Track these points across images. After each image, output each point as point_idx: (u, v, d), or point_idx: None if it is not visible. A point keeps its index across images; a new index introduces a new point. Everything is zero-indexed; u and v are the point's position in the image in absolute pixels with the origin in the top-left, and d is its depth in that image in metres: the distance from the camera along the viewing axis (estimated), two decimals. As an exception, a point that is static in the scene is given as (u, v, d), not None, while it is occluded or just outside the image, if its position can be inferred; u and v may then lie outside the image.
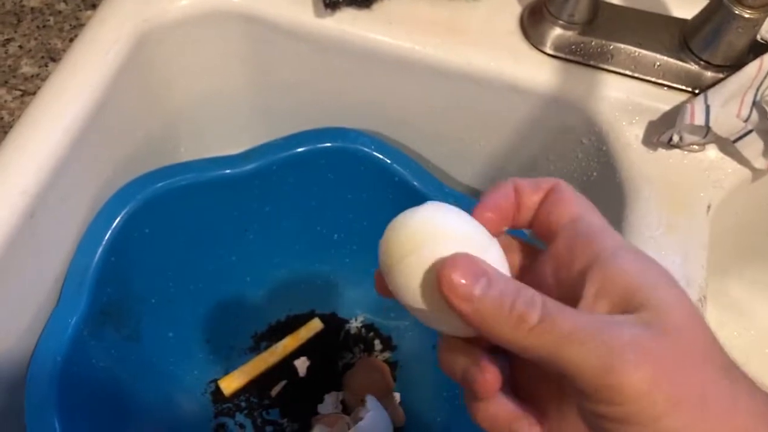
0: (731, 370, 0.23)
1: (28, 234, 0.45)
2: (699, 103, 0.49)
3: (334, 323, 0.65)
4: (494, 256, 0.26)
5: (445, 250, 0.25)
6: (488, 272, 0.24)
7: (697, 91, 0.52)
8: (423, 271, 0.25)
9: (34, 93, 0.50)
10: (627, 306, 0.23)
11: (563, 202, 0.27)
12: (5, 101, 0.50)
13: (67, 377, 0.45)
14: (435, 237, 0.25)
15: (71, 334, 0.47)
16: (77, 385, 0.47)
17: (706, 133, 0.49)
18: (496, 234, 0.28)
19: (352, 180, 0.59)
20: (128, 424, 0.53)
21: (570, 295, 0.25)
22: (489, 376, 0.25)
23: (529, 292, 0.23)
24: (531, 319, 0.22)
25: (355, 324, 0.65)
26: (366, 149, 0.57)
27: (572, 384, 0.22)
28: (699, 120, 0.49)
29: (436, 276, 0.24)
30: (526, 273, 0.29)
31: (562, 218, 0.27)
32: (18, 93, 0.50)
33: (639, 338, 0.22)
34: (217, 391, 0.61)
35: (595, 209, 0.27)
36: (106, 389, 0.51)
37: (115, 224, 0.50)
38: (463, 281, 0.23)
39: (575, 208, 0.27)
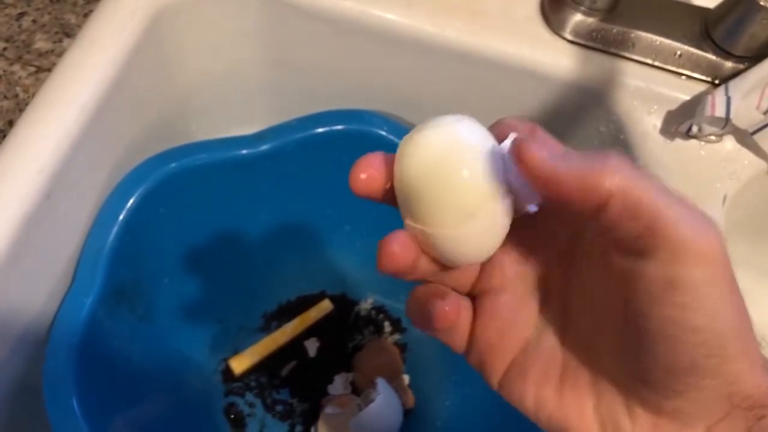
0: None
1: (44, 213, 0.44)
2: (720, 95, 0.49)
3: (343, 304, 0.65)
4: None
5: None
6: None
7: (717, 82, 0.52)
8: (456, 190, 0.24)
9: (48, 69, 0.50)
10: None
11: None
12: (20, 77, 0.49)
13: (83, 358, 0.45)
14: (462, 154, 0.25)
15: (87, 315, 0.47)
16: (93, 365, 0.47)
17: (725, 124, 0.49)
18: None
19: (367, 163, 0.58)
20: (141, 402, 0.54)
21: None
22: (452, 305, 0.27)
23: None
24: (627, 163, 0.22)
25: (364, 305, 0.66)
26: (381, 131, 0.57)
27: (662, 232, 0.22)
28: (720, 112, 0.49)
29: (516, 155, 0.23)
30: None
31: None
32: (32, 69, 0.49)
33: (716, 227, 0.22)
34: (228, 370, 0.61)
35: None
36: (119, 369, 0.51)
37: (129, 204, 0.50)
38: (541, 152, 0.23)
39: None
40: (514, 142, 0.24)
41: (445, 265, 0.27)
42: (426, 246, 0.26)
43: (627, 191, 0.22)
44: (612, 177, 0.22)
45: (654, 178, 0.23)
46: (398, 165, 0.26)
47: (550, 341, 0.27)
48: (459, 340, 0.28)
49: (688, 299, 0.22)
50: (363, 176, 0.27)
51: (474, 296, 0.29)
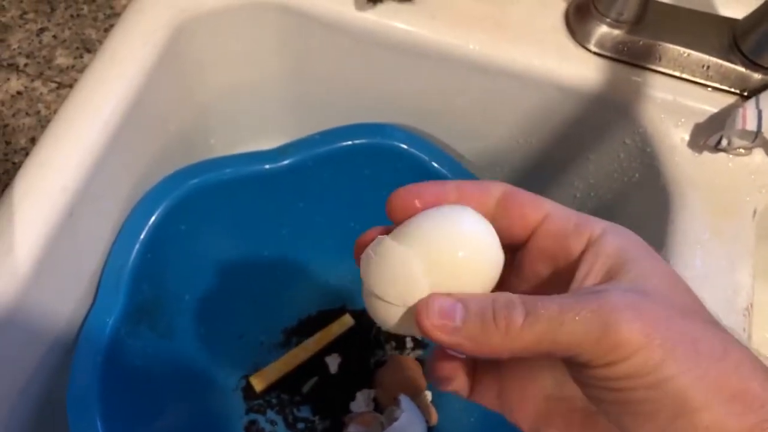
0: (717, 324, 0.24)
1: (67, 231, 0.44)
2: (751, 108, 0.48)
3: (365, 320, 0.65)
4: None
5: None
6: (460, 299, 0.24)
7: (746, 94, 0.52)
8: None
9: (69, 85, 0.49)
10: (610, 279, 0.24)
11: (525, 205, 0.27)
12: (41, 94, 0.49)
13: (106, 377, 0.45)
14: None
15: (110, 333, 0.46)
16: (116, 384, 0.46)
17: (755, 137, 0.49)
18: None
19: (388, 176, 0.58)
20: (163, 421, 0.53)
21: (565, 281, 0.25)
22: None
23: (503, 297, 0.24)
24: (517, 319, 0.23)
25: (385, 321, 0.65)
26: (403, 145, 0.56)
27: (576, 361, 0.23)
28: (751, 125, 0.48)
29: (416, 324, 0.24)
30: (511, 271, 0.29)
31: (533, 217, 0.26)
32: (54, 85, 0.49)
33: (626, 298, 0.22)
34: (248, 387, 0.60)
35: (550, 201, 0.27)
36: (141, 387, 0.51)
37: (151, 221, 0.50)
38: (441, 321, 0.24)
39: (541, 207, 0.26)
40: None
41: None
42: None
43: (531, 345, 0.23)
44: (508, 342, 0.23)
45: (549, 302, 0.23)
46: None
47: (571, 390, 0.27)
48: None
49: (622, 385, 0.22)
50: None
51: None
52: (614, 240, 0.25)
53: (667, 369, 0.21)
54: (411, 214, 0.27)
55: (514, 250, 0.28)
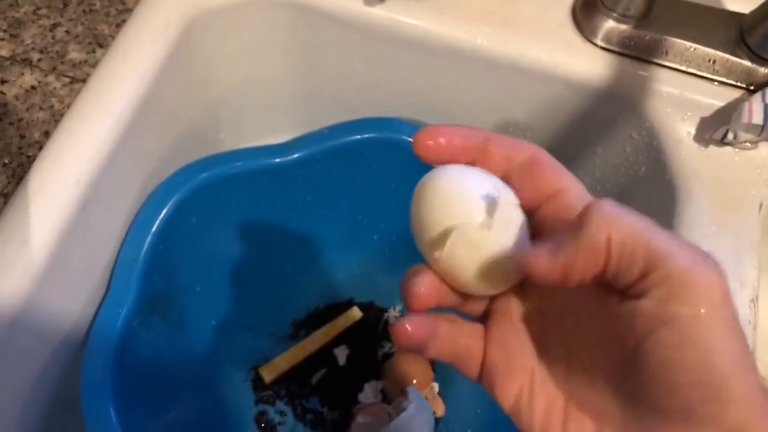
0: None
1: (81, 224, 0.45)
2: (757, 102, 0.49)
3: (372, 312, 0.65)
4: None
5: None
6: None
7: (752, 88, 0.52)
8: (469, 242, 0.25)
9: (82, 80, 0.50)
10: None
11: (544, 174, 0.26)
12: (54, 88, 0.49)
13: (119, 367, 0.46)
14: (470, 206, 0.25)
15: (122, 324, 0.47)
16: (129, 374, 0.47)
17: (761, 131, 0.49)
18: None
19: (397, 170, 0.58)
20: (174, 411, 0.54)
21: None
22: (418, 287, 0.26)
23: None
24: (615, 206, 0.23)
25: (393, 313, 0.65)
26: (411, 139, 0.57)
27: (659, 270, 0.22)
28: (757, 119, 0.48)
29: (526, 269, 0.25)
30: None
31: (543, 191, 0.26)
32: (67, 80, 0.50)
33: (717, 264, 0.22)
34: (258, 378, 0.61)
35: (577, 179, 0.27)
36: (153, 377, 0.51)
37: (163, 214, 0.50)
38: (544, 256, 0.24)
39: (559, 180, 0.26)
40: (520, 262, 0.25)
41: (465, 295, 0.28)
42: (447, 277, 0.27)
43: (622, 239, 0.22)
44: (604, 232, 0.23)
45: (646, 219, 0.23)
46: (417, 202, 0.27)
47: (557, 373, 0.27)
48: (473, 367, 0.29)
49: (682, 337, 0.21)
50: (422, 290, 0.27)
51: (484, 320, 0.29)
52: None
53: (722, 350, 0.21)
54: (439, 154, 0.27)
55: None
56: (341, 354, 0.63)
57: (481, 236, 0.25)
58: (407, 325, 0.27)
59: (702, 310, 0.21)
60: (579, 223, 0.23)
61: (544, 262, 0.24)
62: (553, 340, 0.27)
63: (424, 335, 0.27)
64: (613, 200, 0.24)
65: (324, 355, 0.63)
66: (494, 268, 0.26)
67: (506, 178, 0.27)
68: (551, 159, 0.27)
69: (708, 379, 0.21)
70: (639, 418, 0.23)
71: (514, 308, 0.28)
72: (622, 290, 0.23)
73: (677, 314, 0.21)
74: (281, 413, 0.60)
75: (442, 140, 0.27)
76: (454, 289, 0.27)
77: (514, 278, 0.27)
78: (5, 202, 0.44)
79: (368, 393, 0.61)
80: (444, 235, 0.25)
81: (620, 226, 0.23)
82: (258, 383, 0.61)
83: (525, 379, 0.27)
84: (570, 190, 0.26)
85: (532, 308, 0.28)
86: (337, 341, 0.63)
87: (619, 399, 0.24)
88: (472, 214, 0.25)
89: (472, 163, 0.28)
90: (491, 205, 0.25)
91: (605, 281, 0.24)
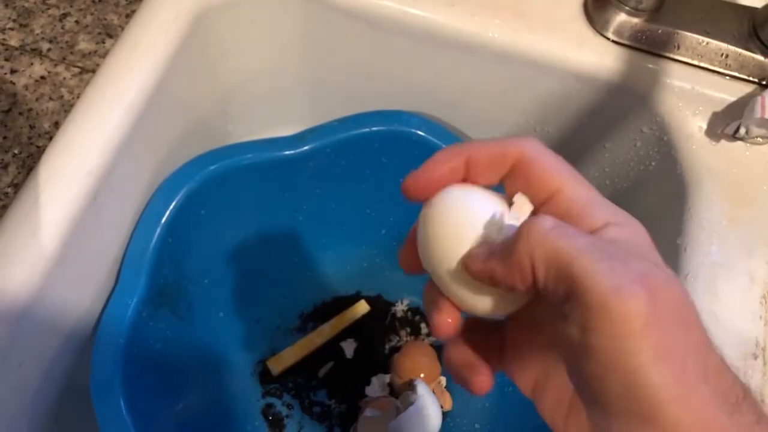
0: (712, 349, 0.23)
1: (91, 215, 0.45)
2: (770, 96, 0.48)
3: (380, 305, 0.65)
4: None
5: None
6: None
7: (764, 82, 0.52)
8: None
9: (92, 70, 0.50)
10: None
11: (535, 176, 0.25)
12: (64, 78, 0.49)
13: (128, 358, 0.46)
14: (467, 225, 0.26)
15: (131, 316, 0.47)
16: (138, 365, 0.47)
17: (774, 126, 0.49)
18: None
19: (405, 164, 0.57)
20: (182, 403, 0.54)
21: None
22: (445, 317, 0.27)
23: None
24: (546, 224, 0.23)
25: (400, 307, 0.65)
26: (420, 132, 0.57)
27: (569, 299, 0.21)
28: (770, 113, 0.48)
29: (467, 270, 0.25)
30: None
31: (538, 195, 0.25)
32: (76, 70, 0.50)
33: (644, 275, 0.21)
34: (265, 371, 0.61)
35: (574, 172, 0.26)
36: (161, 369, 0.51)
37: (173, 205, 0.50)
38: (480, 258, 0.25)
39: (552, 181, 0.25)
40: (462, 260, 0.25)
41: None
42: (462, 305, 0.27)
43: (545, 262, 0.22)
44: (527, 253, 0.22)
45: (582, 238, 0.22)
46: (425, 230, 0.27)
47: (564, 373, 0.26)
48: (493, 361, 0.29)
49: (603, 369, 0.21)
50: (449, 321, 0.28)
51: None
52: (616, 233, 0.24)
53: (650, 375, 0.20)
54: (429, 190, 0.27)
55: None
56: (348, 347, 0.63)
57: None
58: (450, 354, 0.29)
59: (622, 343, 0.20)
60: (510, 242, 0.23)
61: (477, 265, 0.24)
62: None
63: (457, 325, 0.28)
64: (552, 218, 0.23)
65: (331, 348, 0.63)
66: (505, 292, 0.26)
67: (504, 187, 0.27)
68: (540, 153, 0.26)
69: (636, 409, 0.21)
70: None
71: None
72: (555, 310, 0.23)
73: (596, 346, 0.21)
74: (288, 406, 0.60)
75: (423, 179, 0.28)
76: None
77: (526, 298, 0.26)
78: (15, 192, 0.44)
79: (375, 386, 0.61)
80: (456, 269, 0.26)
81: (545, 248, 0.22)
82: (265, 376, 0.61)
83: (540, 370, 0.28)
84: (565, 189, 0.25)
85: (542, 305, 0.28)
86: (344, 334, 0.63)
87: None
88: (478, 241, 0.25)
89: (465, 181, 0.27)
90: (496, 229, 0.25)
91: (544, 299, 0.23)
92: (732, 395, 0.22)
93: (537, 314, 0.28)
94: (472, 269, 0.25)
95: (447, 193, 0.27)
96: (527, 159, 0.26)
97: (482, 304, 0.26)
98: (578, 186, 0.25)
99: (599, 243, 0.22)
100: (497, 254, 0.24)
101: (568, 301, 0.22)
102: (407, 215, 0.62)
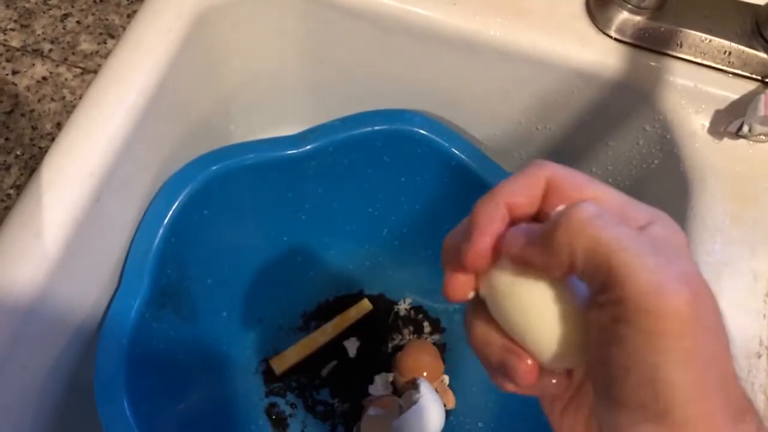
0: (731, 359, 0.23)
1: (94, 216, 0.45)
2: (773, 94, 0.48)
3: (382, 304, 0.65)
4: None
5: None
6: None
7: (767, 80, 0.51)
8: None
9: (94, 71, 0.50)
10: None
11: (571, 191, 0.25)
12: (66, 79, 0.49)
13: (132, 359, 0.46)
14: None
15: (135, 316, 0.47)
16: (141, 366, 0.47)
17: (777, 124, 0.49)
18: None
19: (408, 163, 0.58)
20: (186, 403, 0.54)
21: None
22: (530, 363, 0.25)
23: None
24: (587, 212, 0.22)
25: (403, 306, 0.65)
26: (422, 131, 0.57)
27: (615, 288, 0.21)
28: (773, 111, 0.48)
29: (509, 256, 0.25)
30: None
31: (585, 195, 0.25)
32: (78, 71, 0.50)
33: (686, 278, 0.21)
34: (269, 370, 0.61)
35: (604, 184, 0.26)
36: (165, 370, 0.52)
37: (175, 205, 0.50)
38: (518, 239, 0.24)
39: (588, 190, 0.25)
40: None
41: None
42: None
43: (585, 251, 0.22)
44: (567, 241, 0.22)
45: (622, 229, 0.22)
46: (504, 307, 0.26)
47: (589, 389, 0.27)
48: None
49: (629, 359, 0.21)
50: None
51: None
52: (660, 232, 0.24)
53: (673, 374, 0.21)
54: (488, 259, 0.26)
55: None
56: (351, 346, 0.63)
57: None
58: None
59: (654, 339, 0.21)
60: (550, 228, 0.23)
61: (515, 249, 0.24)
62: None
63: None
64: (595, 205, 0.23)
65: (334, 347, 0.63)
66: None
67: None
68: (567, 170, 0.26)
69: (650, 403, 0.21)
70: (602, 423, 0.24)
71: None
72: (593, 293, 0.23)
73: (626, 336, 0.21)
74: (292, 405, 0.60)
75: (476, 255, 0.26)
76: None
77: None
78: (18, 194, 0.44)
79: (378, 385, 0.61)
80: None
81: (584, 237, 0.22)
82: (269, 375, 0.61)
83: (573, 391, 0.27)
84: (603, 196, 0.25)
85: None
86: (347, 333, 0.63)
87: (597, 402, 0.24)
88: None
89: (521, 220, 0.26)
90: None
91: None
92: (740, 406, 0.22)
93: None
94: (511, 253, 0.25)
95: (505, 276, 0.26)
96: (558, 179, 0.25)
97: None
98: (613, 192, 0.25)
99: (644, 238, 0.22)
100: (536, 241, 0.24)
101: (604, 291, 0.22)
102: (410, 213, 0.62)
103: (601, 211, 0.23)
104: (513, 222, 0.26)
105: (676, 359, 0.21)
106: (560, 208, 0.25)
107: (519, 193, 0.26)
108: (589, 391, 0.26)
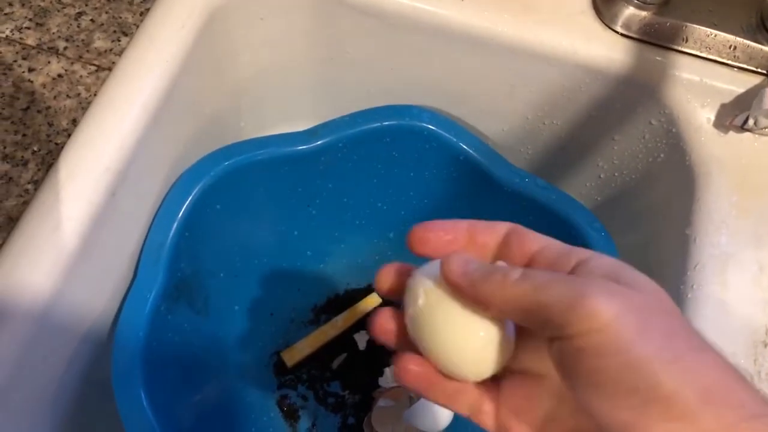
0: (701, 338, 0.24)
1: (110, 211, 0.45)
2: (777, 87, 0.49)
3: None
4: None
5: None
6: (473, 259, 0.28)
7: (772, 74, 0.52)
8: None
9: (108, 68, 0.50)
10: None
11: (528, 239, 0.28)
12: (81, 77, 0.50)
13: (148, 351, 0.46)
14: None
15: (150, 310, 0.48)
16: (157, 358, 0.48)
17: (782, 117, 0.49)
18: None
19: (416, 158, 0.59)
20: (200, 395, 0.55)
21: None
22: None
23: (507, 264, 0.27)
24: (513, 275, 0.25)
25: (412, 299, 0.66)
26: (430, 126, 0.57)
27: (550, 325, 0.24)
28: (778, 104, 0.48)
29: (443, 272, 0.27)
30: None
31: (531, 248, 0.28)
32: (93, 68, 0.50)
33: (606, 283, 0.24)
34: (280, 363, 0.62)
35: (554, 240, 0.29)
36: (179, 362, 0.52)
37: (189, 200, 0.51)
38: (459, 267, 0.27)
39: (542, 240, 0.28)
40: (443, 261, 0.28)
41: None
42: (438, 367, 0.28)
43: (511, 305, 0.25)
44: (493, 299, 0.25)
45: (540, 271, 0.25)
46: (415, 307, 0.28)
47: (566, 409, 0.27)
48: (489, 422, 0.30)
49: (593, 362, 0.23)
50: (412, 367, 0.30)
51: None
52: (602, 260, 0.26)
53: (638, 350, 0.22)
54: (433, 249, 0.29)
55: None
56: (361, 339, 0.64)
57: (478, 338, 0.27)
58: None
59: (600, 335, 0.22)
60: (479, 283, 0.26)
61: (456, 274, 0.27)
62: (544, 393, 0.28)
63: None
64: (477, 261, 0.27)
65: (344, 340, 0.64)
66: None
67: (495, 254, 0.29)
68: (528, 229, 0.29)
69: (636, 382, 0.22)
70: None
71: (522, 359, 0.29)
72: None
73: (581, 345, 0.23)
74: (303, 397, 0.61)
75: (431, 235, 0.29)
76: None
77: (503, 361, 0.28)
78: (35, 189, 0.45)
79: (388, 377, 0.62)
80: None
81: (505, 299, 0.25)
82: (280, 368, 0.62)
83: (540, 422, 0.28)
84: (552, 245, 0.28)
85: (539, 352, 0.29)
86: (357, 326, 0.64)
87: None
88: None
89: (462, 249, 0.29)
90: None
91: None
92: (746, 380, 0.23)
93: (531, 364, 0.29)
94: (450, 273, 0.27)
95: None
96: (517, 230, 0.29)
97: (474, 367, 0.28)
98: (560, 244, 0.28)
99: (563, 274, 0.25)
100: (474, 283, 0.26)
101: (546, 326, 0.24)
102: (418, 208, 0.63)
103: (491, 265, 0.27)
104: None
105: (630, 337, 0.22)
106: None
107: (481, 229, 0.29)
108: (533, 395, 0.28)
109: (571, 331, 0.23)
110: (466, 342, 0.27)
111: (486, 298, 0.26)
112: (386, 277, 0.31)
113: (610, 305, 0.22)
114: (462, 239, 0.29)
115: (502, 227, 0.29)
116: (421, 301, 0.28)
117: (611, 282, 0.24)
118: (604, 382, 0.22)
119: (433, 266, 0.28)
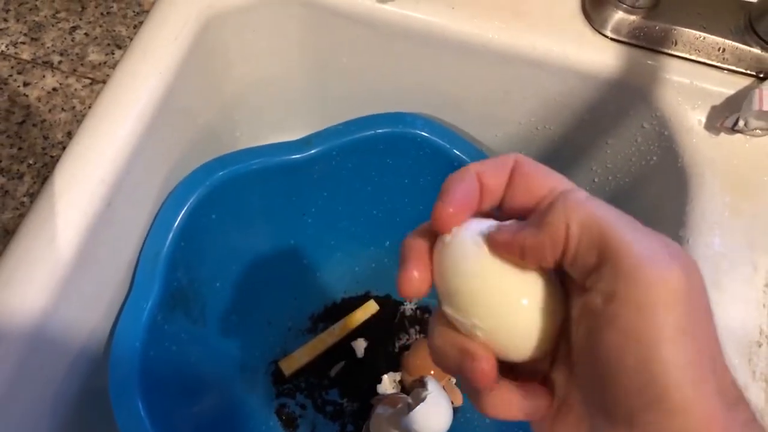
0: (719, 344, 0.23)
1: (105, 222, 0.46)
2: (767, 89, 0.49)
3: (389, 305, 0.66)
4: None
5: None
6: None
7: (761, 75, 0.52)
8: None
9: (102, 81, 0.51)
10: None
11: (533, 178, 0.26)
12: (75, 90, 0.50)
13: (145, 361, 0.47)
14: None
15: (147, 320, 0.48)
16: (154, 368, 0.48)
17: (772, 117, 0.49)
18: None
19: (411, 165, 0.59)
20: (198, 404, 0.55)
21: None
22: (485, 364, 0.25)
23: None
24: (582, 194, 0.24)
25: (409, 306, 0.66)
26: (424, 133, 0.58)
27: (609, 261, 0.22)
28: (768, 106, 0.49)
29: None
30: None
31: (540, 191, 0.26)
32: (87, 81, 0.51)
33: (683, 253, 0.22)
34: (278, 371, 0.62)
35: (564, 178, 0.27)
36: (177, 372, 0.53)
37: (185, 210, 0.51)
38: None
39: (549, 181, 0.26)
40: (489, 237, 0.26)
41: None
42: (488, 343, 0.26)
43: (580, 227, 0.23)
44: (563, 219, 0.23)
45: (614, 211, 0.23)
46: (442, 267, 0.27)
47: (575, 396, 0.26)
48: None
49: (621, 339, 0.21)
50: (415, 274, 0.27)
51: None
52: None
53: (665, 352, 0.20)
54: (456, 220, 0.27)
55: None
56: (359, 347, 0.64)
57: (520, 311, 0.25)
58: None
59: (647, 312, 0.21)
60: (544, 209, 0.24)
61: (505, 237, 0.25)
62: (567, 366, 0.27)
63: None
64: (585, 192, 0.24)
65: (342, 348, 0.64)
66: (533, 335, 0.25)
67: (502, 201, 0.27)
68: (532, 162, 0.27)
69: (648, 386, 0.21)
70: (591, 425, 0.23)
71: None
72: (581, 283, 0.23)
73: (619, 314, 0.21)
74: (302, 406, 0.61)
75: (451, 210, 0.27)
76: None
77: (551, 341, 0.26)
78: (31, 202, 0.45)
79: (387, 384, 0.62)
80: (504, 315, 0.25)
81: (579, 214, 0.23)
82: (278, 376, 0.62)
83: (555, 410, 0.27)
84: (560, 187, 0.26)
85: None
86: (354, 334, 0.64)
87: (586, 405, 0.24)
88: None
89: (484, 207, 0.28)
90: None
91: (571, 270, 0.24)
92: (732, 394, 0.22)
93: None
94: (500, 240, 0.25)
95: (463, 237, 0.27)
96: (523, 166, 0.27)
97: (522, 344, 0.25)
98: (570, 183, 0.26)
99: (633, 219, 0.23)
100: (530, 224, 0.24)
101: (597, 269, 0.22)
102: (414, 215, 0.63)
103: (591, 196, 0.24)
104: (480, 206, 0.27)
105: (669, 335, 0.20)
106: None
107: (489, 172, 0.27)
108: (573, 403, 0.25)
109: (620, 289, 0.21)
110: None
111: (553, 226, 0.23)
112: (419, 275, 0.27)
113: (672, 285, 0.21)
114: (476, 193, 0.27)
115: (506, 165, 0.27)
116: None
117: (680, 250, 0.22)
118: (620, 364, 0.21)
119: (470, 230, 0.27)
